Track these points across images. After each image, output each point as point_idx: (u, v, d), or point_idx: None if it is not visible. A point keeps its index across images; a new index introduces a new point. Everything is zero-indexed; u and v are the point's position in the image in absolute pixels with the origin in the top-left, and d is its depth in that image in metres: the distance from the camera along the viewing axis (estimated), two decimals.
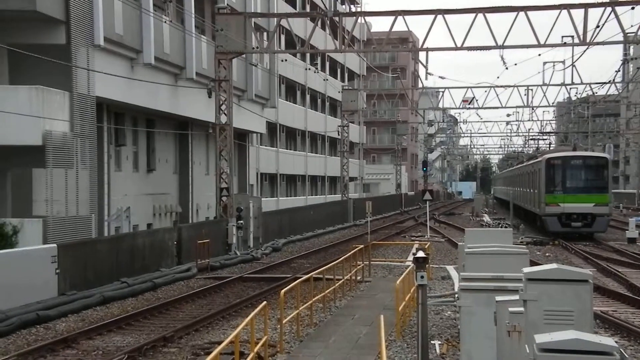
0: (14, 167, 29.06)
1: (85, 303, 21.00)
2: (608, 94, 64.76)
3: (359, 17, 44.68)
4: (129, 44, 33.16)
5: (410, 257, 26.53)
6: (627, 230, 41.57)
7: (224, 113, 37.11)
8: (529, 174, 51.70)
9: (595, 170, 43.12)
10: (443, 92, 66.41)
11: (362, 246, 27.31)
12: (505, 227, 43.22)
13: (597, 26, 36.33)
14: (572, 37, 38.76)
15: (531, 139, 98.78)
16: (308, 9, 70.14)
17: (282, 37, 61.08)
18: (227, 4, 42.30)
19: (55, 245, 22.41)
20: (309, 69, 69.18)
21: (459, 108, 70.04)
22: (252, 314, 12.98)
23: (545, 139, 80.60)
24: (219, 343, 13.44)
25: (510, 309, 9.10)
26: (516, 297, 8.66)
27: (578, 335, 6.25)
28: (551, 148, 70.11)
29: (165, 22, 36.64)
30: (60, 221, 26.99)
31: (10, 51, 26.61)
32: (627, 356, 5.95)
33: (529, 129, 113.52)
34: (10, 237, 24.79)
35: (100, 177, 32.00)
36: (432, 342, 15.40)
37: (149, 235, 29.39)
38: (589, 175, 42.99)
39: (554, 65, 60.13)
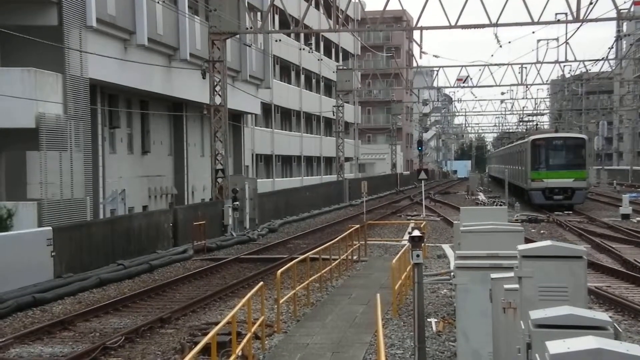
0: (7, 150, 28.97)
1: (82, 285, 21.02)
2: (601, 71, 64.80)
3: None
4: (121, 25, 33.00)
5: (406, 236, 26.57)
6: (621, 206, 41.96)
7: (219, 94, 37.03)
8: (517, 153, 56.18)
9: (574, 149, 47.97)
10: (437, 71, 66.19)
11: (358, 226, 27.35)
12: (500, 205, 43.36)
13: (591, 3, 36.32)
14: (566, 14, 38.69)
15: (521, 121, 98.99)
16: None
17: (276, 17, 60.84)
18: None
19: (50, 228, 22.40)
20: (303, 49, 68.96)
21: (453, 87, 69.97)
22: (249, 294, 13.00)
23: (533, 121, 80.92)
24: (216, 323, 13.46)
25: (506, 286, 9.12)
26: (511, 274, 8.68)
27: (572, 311, 6.27)
28: (537, 129, 72.93)
29: (158, 2, 36.45)
30: (55, 204, 26.95)
31: (1, 32, 26.47)
32: (620, 331, 5.98)
33: (523, 107, 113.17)
34: (4, 220, 24.79)
35: (95, 159, 31.92)
36: (428, 320, 15.47)
37: (145, 217, 29.38)
38: (569, 154, 47.94)
39: (547, 43, 60.07)
